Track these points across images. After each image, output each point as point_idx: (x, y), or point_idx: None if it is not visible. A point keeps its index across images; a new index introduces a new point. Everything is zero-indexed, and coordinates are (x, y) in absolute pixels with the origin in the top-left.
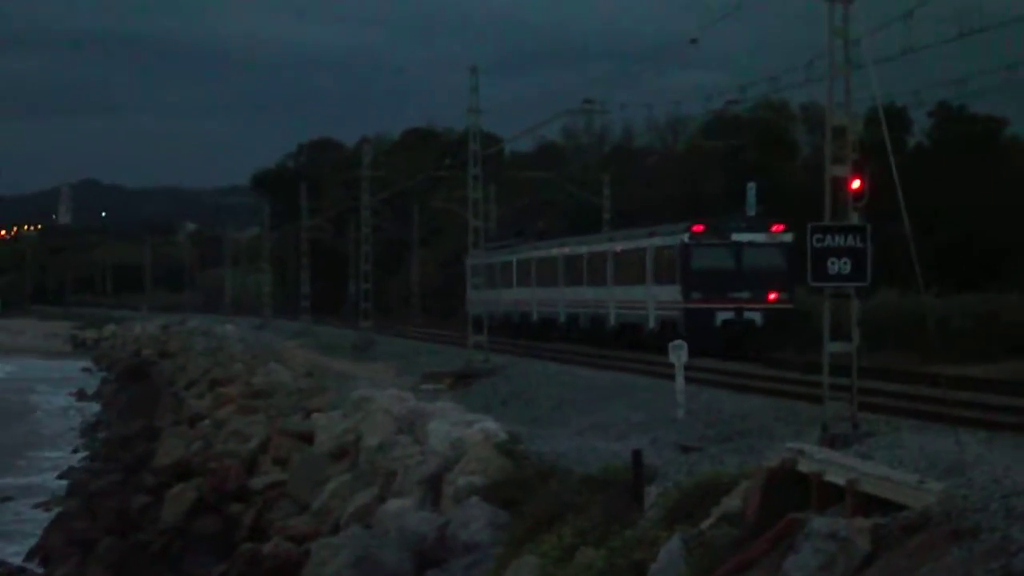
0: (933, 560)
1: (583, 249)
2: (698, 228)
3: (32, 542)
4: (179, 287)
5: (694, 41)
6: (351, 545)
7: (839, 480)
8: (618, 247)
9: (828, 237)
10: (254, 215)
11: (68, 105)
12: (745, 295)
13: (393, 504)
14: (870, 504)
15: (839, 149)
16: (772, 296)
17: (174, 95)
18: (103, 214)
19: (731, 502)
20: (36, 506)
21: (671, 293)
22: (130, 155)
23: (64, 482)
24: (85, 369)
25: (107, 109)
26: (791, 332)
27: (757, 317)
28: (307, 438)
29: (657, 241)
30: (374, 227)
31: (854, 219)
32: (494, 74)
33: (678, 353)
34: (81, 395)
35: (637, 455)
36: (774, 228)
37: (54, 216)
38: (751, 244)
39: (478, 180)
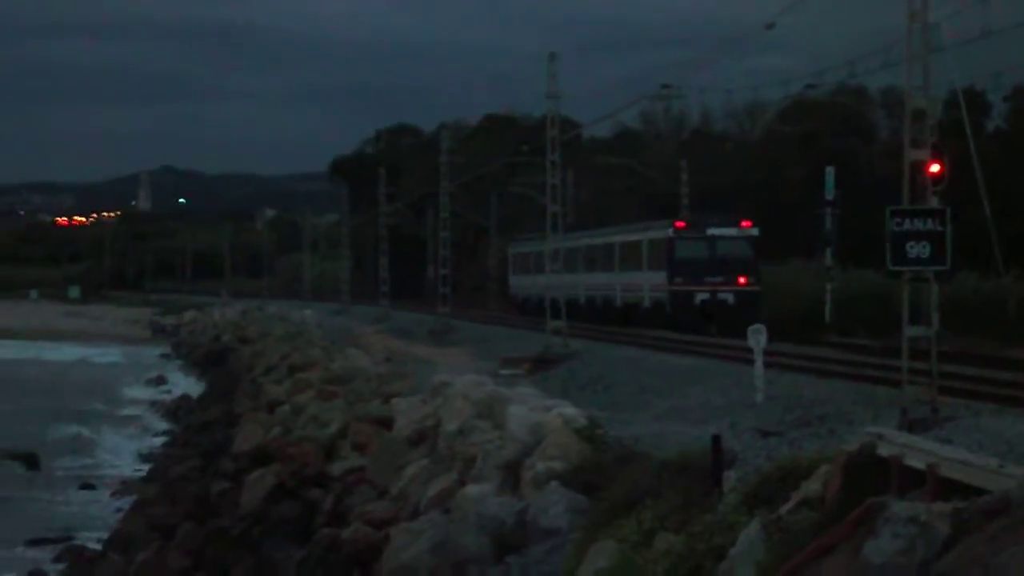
0: (1014, 544)
1: (599, 241)
2: (680, 224)
3: (112, 528)
4: (258, 273)
5: (771, 26)
6: (430, 530)
7: (919, 464)
8: (622, 239)
9: (907, 221)
10: (332, 201)
11: (147, 92)
12: (719, 279)
13: (472, 489)
14: (950, 488)
15: (918, 133)
16: (741, 280)
17: (252, 82)
18: (182, 200)
19: (810, 486)
20: (115, 492)
21: (660, 278)
22: (208, 142)
23: (144, 467)
24: (164, 355)
25: (186, 96)
26: (759, 309)
27: (729, 297)
28: (386, 423)
29: (650, 234)
30: (452, 213)
31: (933, 203)
32: (573, 60)
33: (757, 337)
34: (160, 381)
35: (716, 440)
36: (743, 223)
37: (134, 202)
38: (723, 237)
39: (556, 166)
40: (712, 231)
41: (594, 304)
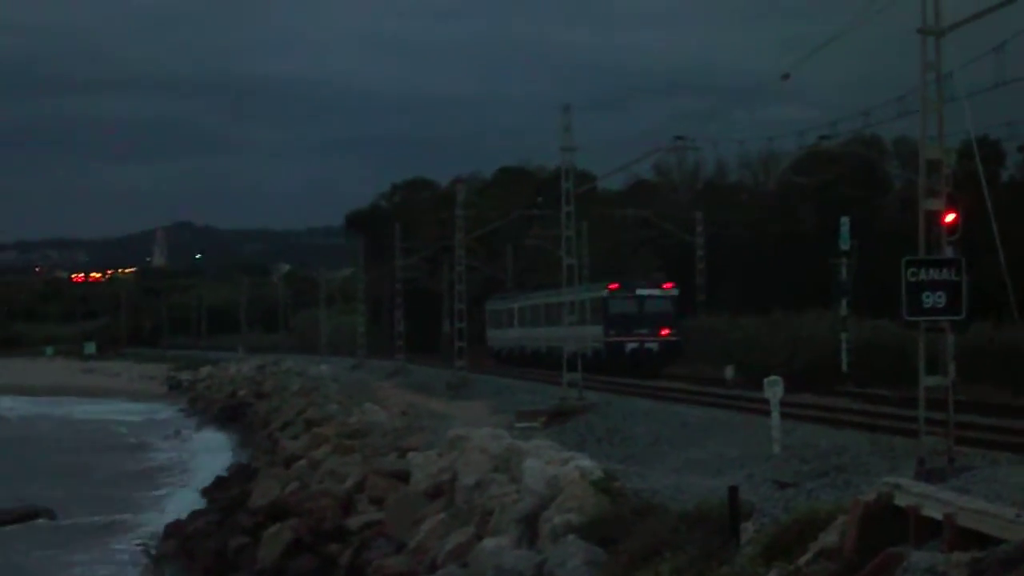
0: None
1: (553, 299)
2: (613, 286)
3: None
4: (274, 328)
5: (786, 76)
6: None
7: (936, 514)
8: (569, 299)
9: (923, 271)
10: (348, 255)
11: (161, 148)
12: (645, 331)
13: (490, 543)
14: (968, 538)
15: (933, 183)
16: (664, 332)
17: (266, 136)
18: (197, 256)
19: (828, 537)
20: (135, 547)
21: (598, 331)
22: (223, 197)
23: (163, 522)
24: (181, 410)
25: (200, 151)
26: (679, 356)
27: (654, 346)
28: (403, 477)
29: (590, 295)
30: (468, 266)
31: (948, 252)
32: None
33: (773, 389)
34: (177, 435)
35: (733, 491)
36: (665, 285)
37: (148, 258)
38: (649, 296)
39: (571, 217)
40: (640, 292)
41: (552, 353)
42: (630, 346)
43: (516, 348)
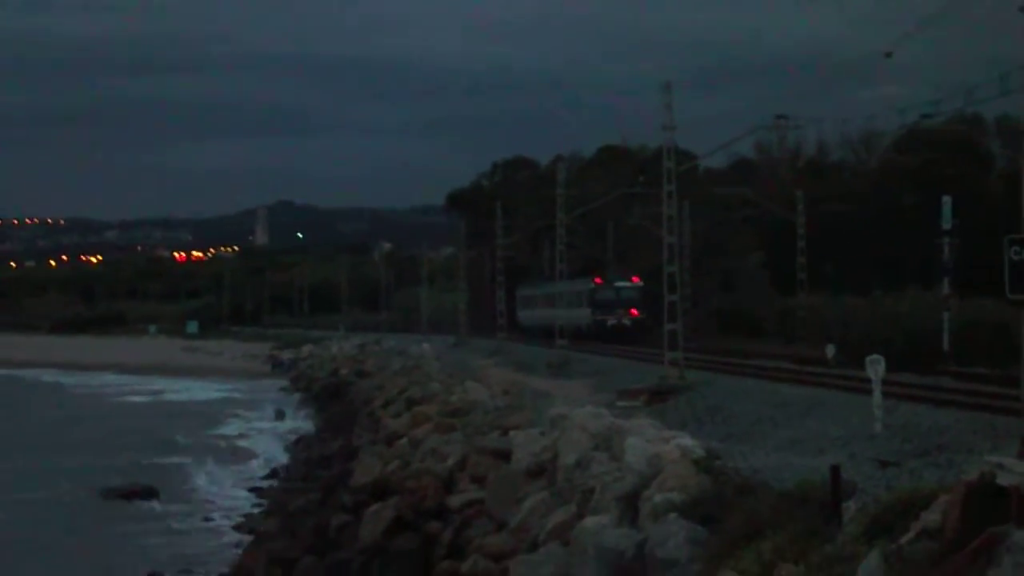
0: None
1: (561, 289)
2: (598, 280)
3: (231, 562)
4: (375, 306)
5: (889, 55)
6: (549, 562)
7: None
8: (569, 289)
9: None
10: (449, 234)
11: (263, 127)
12: (620, 312)
13: (591, 521)
14: None
15: None
16: (633, 312)
17: (368, 115)
18: (299, 235)
19: (930, 516)
20: (236, 526)
21: (588, 312)
22: (325, 176)
23: (264, 501)
24: (283, 389)
25: (302, 130)
26: (645, 330)
27: (627, 322)
28: (504, 456)
29: (581, 286)
30: (568, 245)
31: None
32: (687, 90)
33: (875, 367)
34: (280, 415)
35: (835, 470)
36: (634, 279)
37: (251, 237)
38: (623, 287)
39: (672, 196)
40: (616, 284)
41: (562, 330)
42: (610, 322)
43: (537, 324)
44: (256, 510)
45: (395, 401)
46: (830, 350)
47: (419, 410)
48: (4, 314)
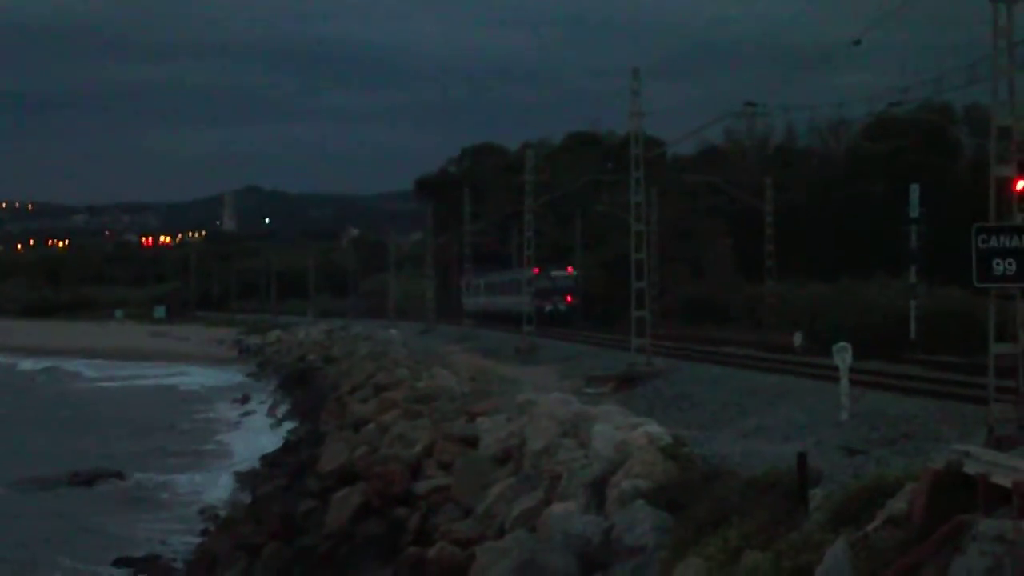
0: None
1: (504, 277)
2: (536, 269)
3: (196, 547)
4: (343, 292)
5: (857, 42)
6: (516, 549)
7: (1005, 482)
8: (510, 277)
9: (993, 238)
10: (417, 220)
11: (231, 113)
12: (556, 298)
13: (558, 508)
14: None
15: (1004, 150)
16: (568, 299)
17: (336, 101)
18: (266, 220)
19: (896, 504)
20: (201, 511)
21: (527, 299)
22: (292, 161)
23: (229, 487)
24: (250, 374)
25: (269, 116)
26: (577, 314)
27: (562, 307)
28: (471, 442)
29: (520, 275)
30: (536, 231)
31: (1019, 219)
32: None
33: (843, 355)
34: (245, 399)
35: (802, 458)
36: (568, 269)
37: (218, 222)
38: (558, 276)
39: (640, 184)
40: (553, 273)
41: (501, 315)
42: (547, 308)
43: (481, 310)
44: (223, 496)
45: (363, 387)
46: (797, 338)
47: (386, 396)
48: None
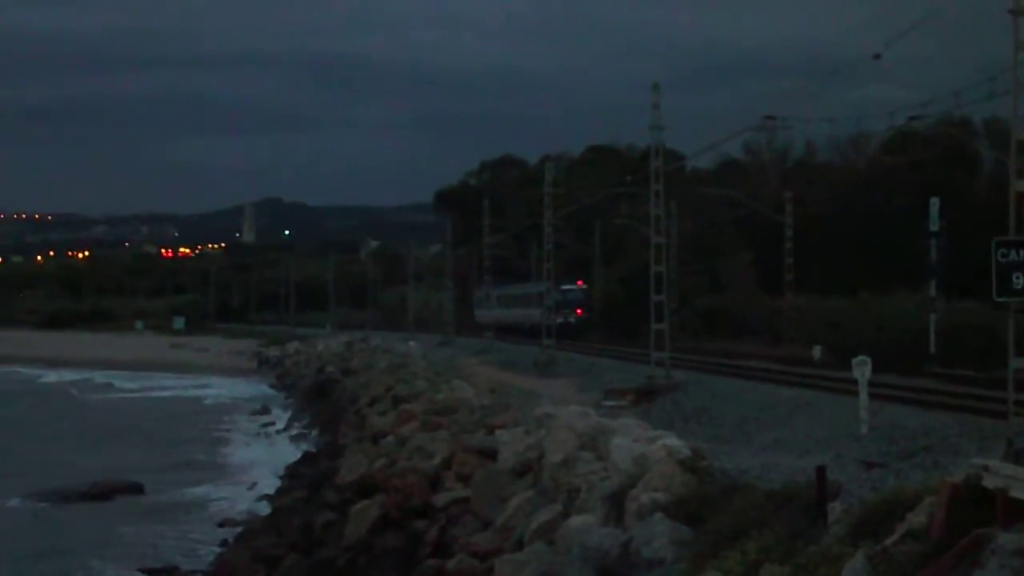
0: None
1: (515, 291)
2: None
3: (216, 558)
4: (362, 304)
5: (877, 56)
6: (534, 561)
7: None
8: (522, 291)
9: (1013, 252)
10: (437, 232)
11: (251, 124)
12: (568, 311)
13: (576, 520)
14: None
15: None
16: (579, 311)
17: (356, 113)
18: (286, 232)
19: (916, 518)
20: (221, 523)
21: (538, 312)
22: (313, 173)
23: (250, 498)
24: (269, 386)
25: (289, 128)
26: (588, 327)
27: (573, 320)
28: (490, 454)
29: (534, 288)
30: (556, 244)
31: None
32: (676, 91)
33: (862, 369)
34: (264, 411)
35: (821, 471)
36: (579, 283)
37: (238, 234)
38: (570, 290)
39: (660, 196)
40: (564, 287)
41: (514, 327)
42: (559, 320)
43: (493, 322)
44: (243, 507)
45: (381, 399)
46: (817, 351)
47: (405, 408)
48: None
